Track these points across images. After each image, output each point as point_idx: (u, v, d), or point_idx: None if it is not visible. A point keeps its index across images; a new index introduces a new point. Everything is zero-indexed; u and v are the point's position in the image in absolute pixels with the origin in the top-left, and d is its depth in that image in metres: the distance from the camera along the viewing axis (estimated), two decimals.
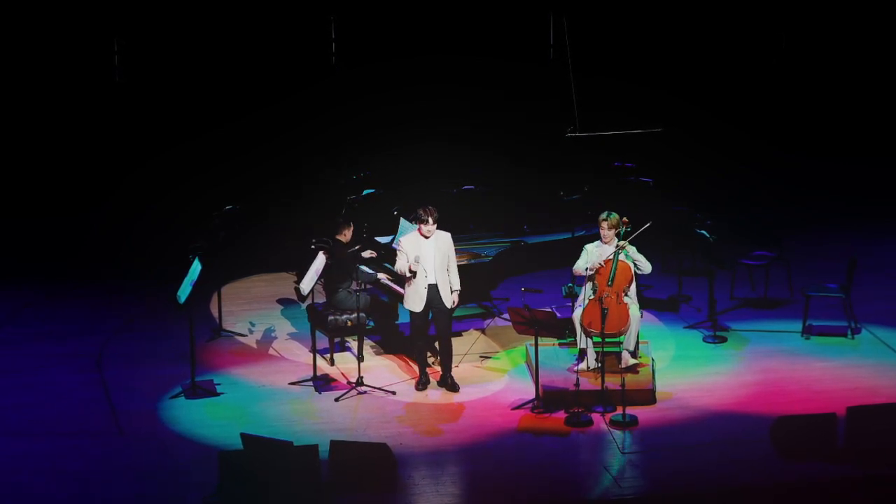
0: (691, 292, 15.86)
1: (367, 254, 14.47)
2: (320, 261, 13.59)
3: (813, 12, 22.21)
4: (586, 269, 13.28)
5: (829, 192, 20.54)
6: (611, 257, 13.19)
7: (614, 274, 13.15)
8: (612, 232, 13.32)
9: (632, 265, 13.25)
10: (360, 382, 13.29)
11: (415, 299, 13.22)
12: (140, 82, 21.00)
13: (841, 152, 21.56)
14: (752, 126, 21.71)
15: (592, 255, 13.38)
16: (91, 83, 20.86)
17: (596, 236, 13.56)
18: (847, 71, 22.30)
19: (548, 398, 12.81)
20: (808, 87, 22.24)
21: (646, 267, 13.34)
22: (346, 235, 14.28)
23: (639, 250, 13.33)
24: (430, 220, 13.08)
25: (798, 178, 20.97)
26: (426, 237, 13.14)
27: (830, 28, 22.20)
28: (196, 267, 13.38)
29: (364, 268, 13.70)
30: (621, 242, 13.23)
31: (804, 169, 21.22)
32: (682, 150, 19.83)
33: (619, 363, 13.26)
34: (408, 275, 13.15)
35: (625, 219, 13.37)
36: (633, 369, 13.22)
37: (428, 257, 13.12)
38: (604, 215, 13.36)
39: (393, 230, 14.80)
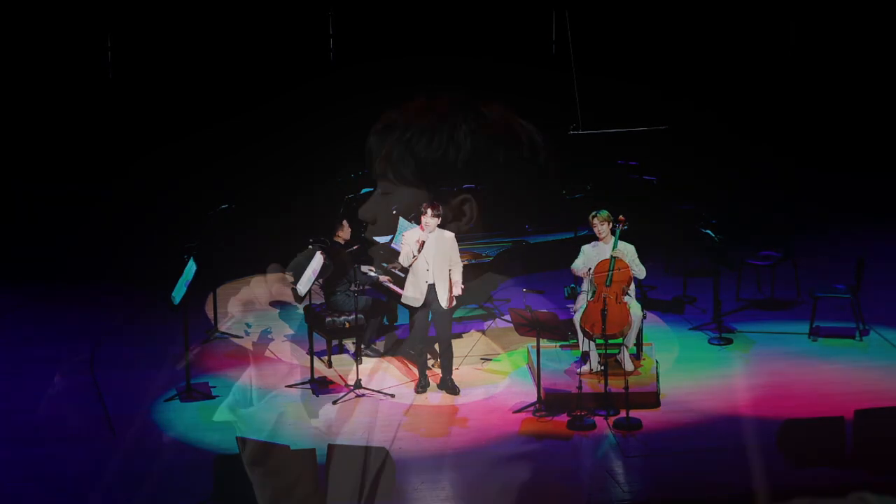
0: (696, 293, 15.75)
1: (365, 268, 14.20)
2: (318, 261, 13.42)
3: (814, 12, 22.13)
4: (588, 269, 13.09)
5: (831, 192, 20.42)
6: (607, 258, 13.02)
7: (612, 274, 12.97)
8: (606, 227, 13.15)
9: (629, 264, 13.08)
10: (358, 385, 13.12)
11: (414, 293, 13.05)
12: (133, 79, 20.89)
13: (841, 152, 21.44)
14: (756, 125, 21.61)
15: (590, 257, 13.20)
16: (84, 80, 20.75)
17: (596, 237, 13.38)
18: (850, 71, 22.21)
19: (550, 401, 12.67)
20: (810, 86, 22.15)
21: (640, 272, 13.19)
22: (340, 236, 14.08)
23: (638, 250, 13.14)
24: (430, 212, 12.89)
25: (799, 178, 20.85)
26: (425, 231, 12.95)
27: (831, 28, 22.11)
28: (191, 267, 13.29)
29: (364, 268, 13.54)
30: (615, 251, 13.01)
31: (805, 168, 21.09)
32: (686, 149, 19.69)
33: (620, 363, 13.10)
34: (410, 259, 12.94)
35: (621, 217, 13.20)
36: (633, 370, 13.05)
37: (429, 255, 12.94)
38: (592, 214, 13.30)
39: (392, 230, 14.65)
